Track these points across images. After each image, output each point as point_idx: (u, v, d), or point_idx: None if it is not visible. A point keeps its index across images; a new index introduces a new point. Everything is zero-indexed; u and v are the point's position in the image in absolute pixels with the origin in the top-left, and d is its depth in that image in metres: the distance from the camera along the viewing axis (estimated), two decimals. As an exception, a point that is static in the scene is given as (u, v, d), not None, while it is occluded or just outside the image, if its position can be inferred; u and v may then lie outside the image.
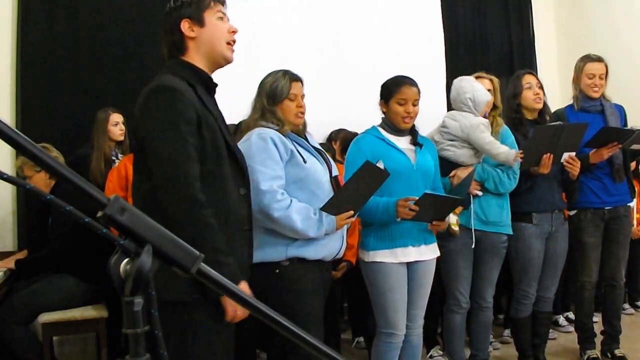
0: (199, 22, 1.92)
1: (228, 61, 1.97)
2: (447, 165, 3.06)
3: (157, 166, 1.76)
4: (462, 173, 3.03)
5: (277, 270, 2.36)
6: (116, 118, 3.98)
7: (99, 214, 0.72)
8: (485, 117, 3.15)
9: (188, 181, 1.74)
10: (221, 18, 1.96)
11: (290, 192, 2.35)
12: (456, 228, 3.02)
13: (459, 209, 3.01)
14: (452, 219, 2.98)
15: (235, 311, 1.80)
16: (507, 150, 3.02)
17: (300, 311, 2.33)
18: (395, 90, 2.77)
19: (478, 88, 3.12)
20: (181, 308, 1.77)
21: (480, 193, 3.08)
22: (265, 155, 2.32)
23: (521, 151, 3.04)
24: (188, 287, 1.74)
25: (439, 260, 2.94)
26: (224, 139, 1.89)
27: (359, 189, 2.44)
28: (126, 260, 0.73)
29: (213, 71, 1.99)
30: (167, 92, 1.79)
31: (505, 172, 3.11)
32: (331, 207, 2.37)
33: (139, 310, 0.73)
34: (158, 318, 0.74)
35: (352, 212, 2.43)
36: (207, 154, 1.81)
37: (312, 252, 2.39)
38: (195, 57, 1.93)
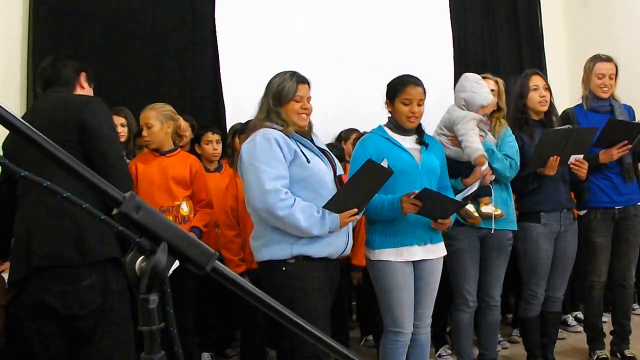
0: None
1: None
2: (455, 164, 3.05)
3: None
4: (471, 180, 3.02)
5: (284, 268, 2.39)
6: (114, 121, 3.84)
7: (114, 211, 0.73)
8: (485, 117, 3.12)
9: None
10: None
11: (295, 192, 2.39)
12: (476, 214, 2.99)
13: (486, 200, 3.03)
14: (470, 207, 2.96)
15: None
16: (475, 148, 2.93)
17: (307, 308, 2.35)
18: (400, 90, 2.77)
19: (476, 90, 3.08)
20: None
21: (493, 177, 3.05)
22: (269, 155, 2.37)
23: (485, 155, 2.93)
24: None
25: (446, 259, 2.93)
26: None
27: (361, 187, 2.45)
28: (141, 257, 0.73)
29: None
30: None
31: (509, 161, 3.11)
32: (334, 205, 2.38)
33: (155, 308, 0.73)
34: (173, 315, 0.74)
35: (355, 210, 2.45)
36: None
37: (317, 250, 2.42)
38: None
